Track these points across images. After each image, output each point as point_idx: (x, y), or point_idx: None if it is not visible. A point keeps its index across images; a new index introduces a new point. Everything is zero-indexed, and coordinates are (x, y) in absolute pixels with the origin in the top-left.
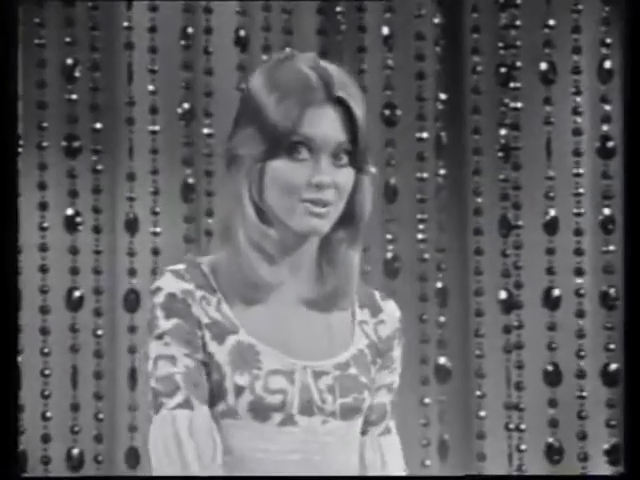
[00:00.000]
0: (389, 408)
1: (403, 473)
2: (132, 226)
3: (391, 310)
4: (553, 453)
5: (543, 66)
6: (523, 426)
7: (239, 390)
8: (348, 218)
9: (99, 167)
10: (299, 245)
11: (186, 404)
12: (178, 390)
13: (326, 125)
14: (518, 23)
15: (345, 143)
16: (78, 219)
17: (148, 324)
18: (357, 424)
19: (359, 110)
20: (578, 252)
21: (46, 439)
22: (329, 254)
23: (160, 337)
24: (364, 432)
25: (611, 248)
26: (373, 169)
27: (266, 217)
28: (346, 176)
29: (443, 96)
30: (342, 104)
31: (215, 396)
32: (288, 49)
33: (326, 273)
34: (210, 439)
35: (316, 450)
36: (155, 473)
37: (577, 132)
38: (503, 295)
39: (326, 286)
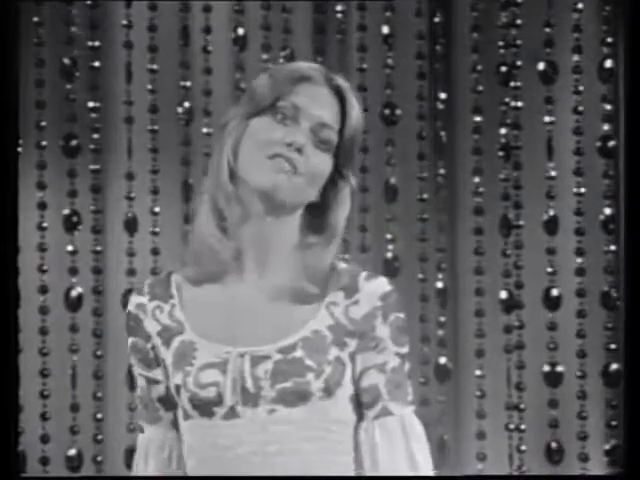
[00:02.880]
0: (384, 389)
1: (402, 455)
2: (131, 226)
3: (371, 289)
4: (553, 453)
5: (543, 65)
6: (523, 426)
7: (177, 389)
8: (324, 225)
9: (98, 166)
10: (264, 225)
11: (139, 428)
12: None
13: (317, 101)
14: (518, 22)
15: (330, 129)
16: (77, 219)
17: None
18: (324, 409)
19: (355, 109)
20: (579, 252)
21: (45, 439)
22: (302, 258)
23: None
24: (361, 416)
25: (612, 248)
26: (354, 180)
27: (236, 180)
28: (323, 162)
29: (443, 95)
30: (339, 95)
31: (174, 400)
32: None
33: (297, 273)
34: (152, 459)
35: (268, 441)
36: None
37: (577, 131)
38: (503, 295)
39: (294, 284)
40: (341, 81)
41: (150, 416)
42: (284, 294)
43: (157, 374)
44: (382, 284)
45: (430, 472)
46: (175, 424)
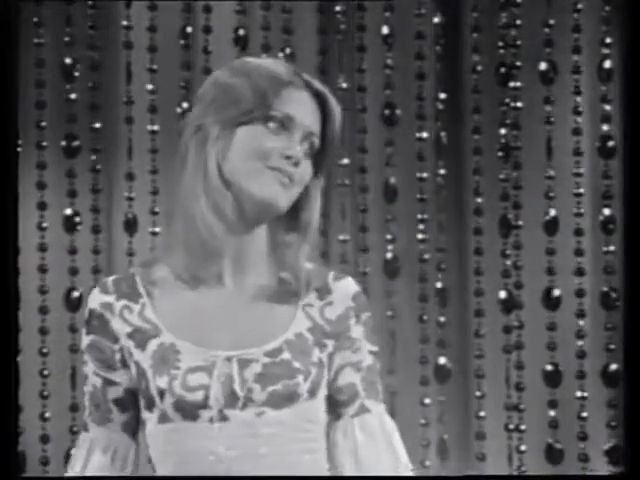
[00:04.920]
0: (361, 387)
1: (385, 451)
2: (131, 226)
3: (342, 290)
4: (553, 454)
5: (543, 66)
6: (523, 427)
7: (161, 393)
8: (298, 224)
9: (98, 167)
10: (247, 230)
11: (84, 426)
12: (85, 410)
13: (304, 109)
14: (518, 22)
15: (316, 137)
16: (77, 219)
17: None
18: (310, 410)
19: (337, 116)
20: (578, 252)
21: (45, 439)
22: (278, 256)
23: (83, 354)
24: (338, 416)
25: (611, 248)
26: (322, 180)
27: (226, 183)
28: (307, 167)
29: (443, 96)
30: (320, 100)
31: (148, 403)
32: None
33: (273, 272)
34: (96, 459)
35: (259, 443)
36: None
37: (577, 132)
38: (503, 295)
39: (272, 283)
40: (319, 85)
41: (101, 417)
42: (261, 295)
43: (118, 376)
44: (351, 284)
45: (409, 467)
46: (127, 427)
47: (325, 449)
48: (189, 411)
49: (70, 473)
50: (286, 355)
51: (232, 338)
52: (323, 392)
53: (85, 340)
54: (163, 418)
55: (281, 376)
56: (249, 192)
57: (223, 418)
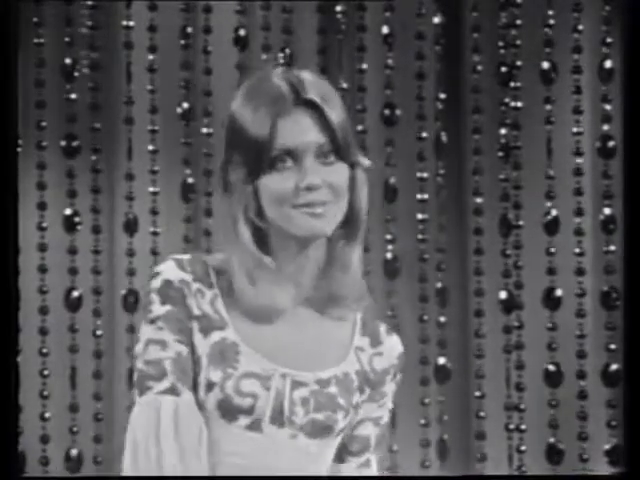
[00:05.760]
0: (373, 442)
1: None
2: (131, 226)
3: (392, 345)
4: (553, 454)
5: (544, 65)
6: (523, 427)
7: (210, 386)
8: (346, 215)
9: (98, 167)
10: (303, 250)
11: (172, 390)
12: (165, 375)
13: (301, 131)
14: (518, 22)
15: (326, 143)
16: (77, 219)
17: (143, 307)
18: (330, 447)
19: (332, 109)
20: (579, 252)
21: (45, 440)
22: (329, 253)
23: (153, 321)
24: (342, 460)
25: (612, 248)
26: (366, 161)
27: (265, 240)
28: (338, 173)
29: (443, 95)
30: (314, 106)
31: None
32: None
33: (326, 272)
34: (195, 427)
35: (277, 463)
36: (126, 457)
37: (577, 131)
38: (503, 295)
39: (325, 285)
40: (310, 93)
41: (191, 382)
42: (319, 314)
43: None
44: (399, 342)
45: None
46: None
47: None
48: (230, 412)
49: (175, 442)
50: (333, 389)
51: (289, 356)
52: (343, 433)
53: (160, 309)
54: (200, 407)
55: (326, 407)
56: (292, 234)
57: (257, 429)
